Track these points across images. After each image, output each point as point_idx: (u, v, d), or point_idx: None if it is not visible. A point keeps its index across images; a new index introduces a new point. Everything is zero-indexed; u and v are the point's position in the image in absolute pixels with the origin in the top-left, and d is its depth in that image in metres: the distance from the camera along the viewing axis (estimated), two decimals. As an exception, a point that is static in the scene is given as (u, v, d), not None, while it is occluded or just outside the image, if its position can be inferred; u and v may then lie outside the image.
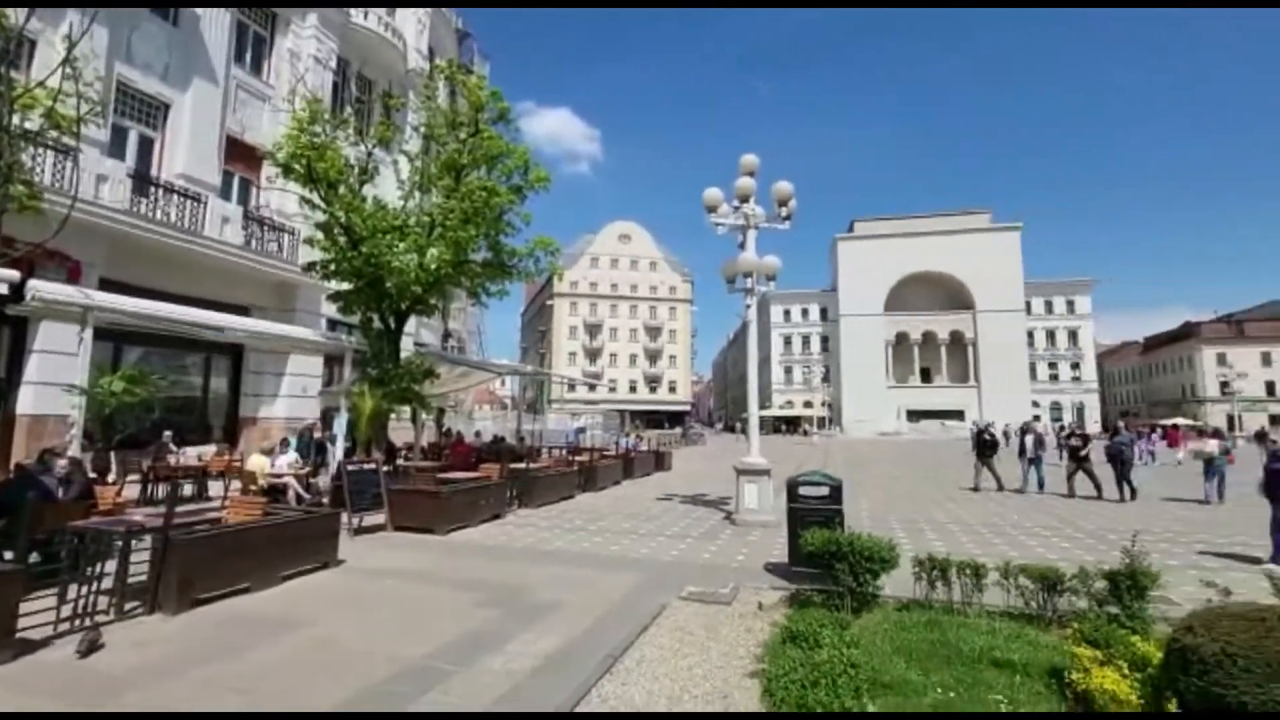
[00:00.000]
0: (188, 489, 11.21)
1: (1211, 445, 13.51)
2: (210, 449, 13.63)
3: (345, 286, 12.53)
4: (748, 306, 11.23)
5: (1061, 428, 15.00)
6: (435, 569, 7.07)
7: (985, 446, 14.98)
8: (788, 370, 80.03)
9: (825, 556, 5.29)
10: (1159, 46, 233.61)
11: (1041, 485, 14.25)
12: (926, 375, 73.35)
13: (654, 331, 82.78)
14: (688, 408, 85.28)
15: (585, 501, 12.92)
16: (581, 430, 36.40)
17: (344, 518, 8.12)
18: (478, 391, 46.68)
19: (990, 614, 5.09)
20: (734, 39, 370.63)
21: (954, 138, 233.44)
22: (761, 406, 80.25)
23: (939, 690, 3.74)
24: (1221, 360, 64.91)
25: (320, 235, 12.27)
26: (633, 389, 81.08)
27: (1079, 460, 13.51)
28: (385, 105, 16.13)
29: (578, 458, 15.96)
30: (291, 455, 10.90)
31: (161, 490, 10.46)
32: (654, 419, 74.02)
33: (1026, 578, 4.99)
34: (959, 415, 64.34)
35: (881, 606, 5.35)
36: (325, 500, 9.74)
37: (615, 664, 4.16)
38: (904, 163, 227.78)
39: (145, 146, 14.22)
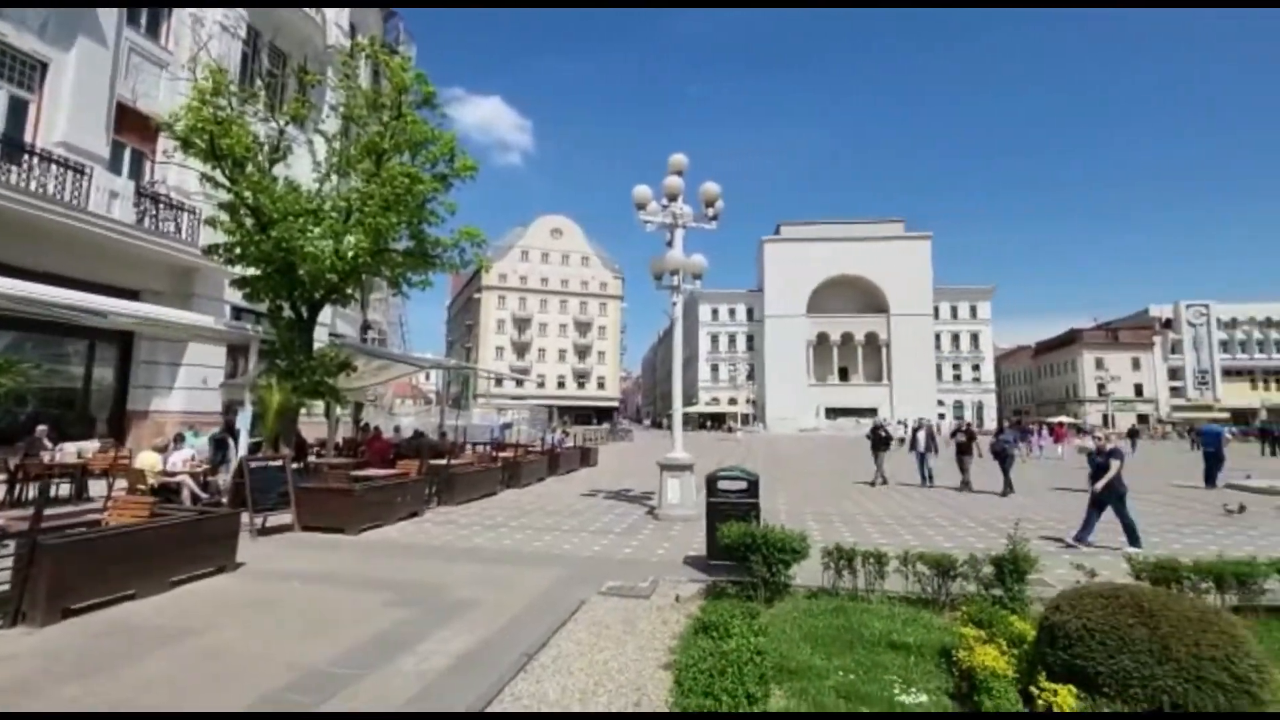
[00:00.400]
0: (64, 489, 10.21)
1: (1089, 444, 15.14)
2: (93, 445, 12.44)
3: (252, 272, 11.73)
4: (674, 304, 11.39)
5: (958, 425, 16.04)
6: (344, 570, 6.76)
7: (879, 443, 15.76)
8: (714, 368, 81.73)
9: (741, 549, 5.45)
10: (1062, 62, 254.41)
11: (931, 479, 15.03)
12: (844, 374, 76.93)
13: (584, 327, 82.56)
14: (617, 404, 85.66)
15: (508, 498, 12.72)
16: (508, 426, 35.73)
17: (245, 518, 7.63)
18: (399, 385, 45.04)
19: (891, 599, 5.41)
20: (670, 38, 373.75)
21: (875, 146, 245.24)
22: (688, 403, 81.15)
23: (840, 673, 3.94)
24: (1099, 364, 71.69)
25: (224, 216, 11.43)
26: (561, 384, 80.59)
27: (961, 455, 14.55)
28: (300, 81, 15.21)
29: (502, 454, 15.69)
30: (187, 451, 10.14)
31: (32, 490, 9.47)
32: (582, 415, 73.88)
33: (924, 565, 5.33)
34: (873, 412, 67.78)
35: (793, 595, 5.57)
36: (224, 500, 9.11)
37: (530, 661, 4.13)
38: (831, 168, 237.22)
39: (18, 109, 12.76)
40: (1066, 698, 3.00)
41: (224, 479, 10.23)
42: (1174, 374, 74.02)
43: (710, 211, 11.62)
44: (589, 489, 14.45)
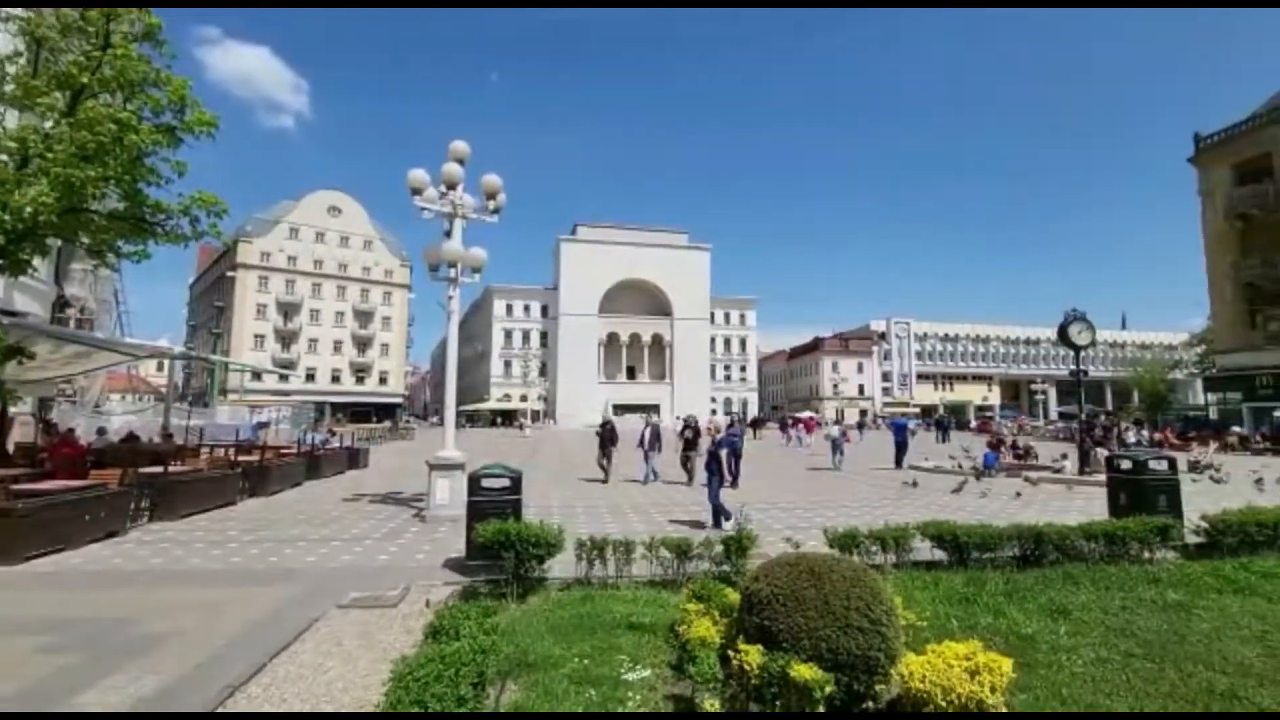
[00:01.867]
0: None
1: (834, 430, 19.90)
2: None
3: None
4: (450, 297, 10.93)
5: (685, 423, 15.69)
6: (-12, 612, 5.30)
7: (607, 440, 15.39)
8: (507, 364, 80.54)
9: (495, 547, 5.41)
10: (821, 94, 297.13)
11: (655, 475, 14.89)
12: (632, 373, 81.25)
13: (365, 317, 75.44)
14: (401, 400, 79.86)
15: (249, 508, 11.10)
16: (264, 425, 31.22)
17: None
18: (113, 377, 36.73)
19: (637, 584, 5.81)
20: (474, 20, 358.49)
21: (667, 160, 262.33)
22: (479, 400, 78.81)
23: (577, 660, 4.11)
24: (834, 368, 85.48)
25: None
26: (336, 379, 72.77)
27: (687, 451, 14.72)
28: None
29: (245, 457, 13.65)
30: None
31: None
32: (361, 412, 67.66)
33: (665, 549, 5.81)
34: (656, 409, 72.64)
35: (547, 589, 5.69)
36: None
37: (234, 694, 3.63)
38: (630, 173, 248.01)
39: None
40: (755, 656, 3.46)
41: None
42: (885, 377, 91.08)
43: (491, 205, 11.38)
44: (354, 493, 13.25)
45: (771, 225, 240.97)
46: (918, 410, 75.72)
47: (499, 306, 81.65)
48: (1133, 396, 63.90)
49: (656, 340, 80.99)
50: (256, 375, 58.73)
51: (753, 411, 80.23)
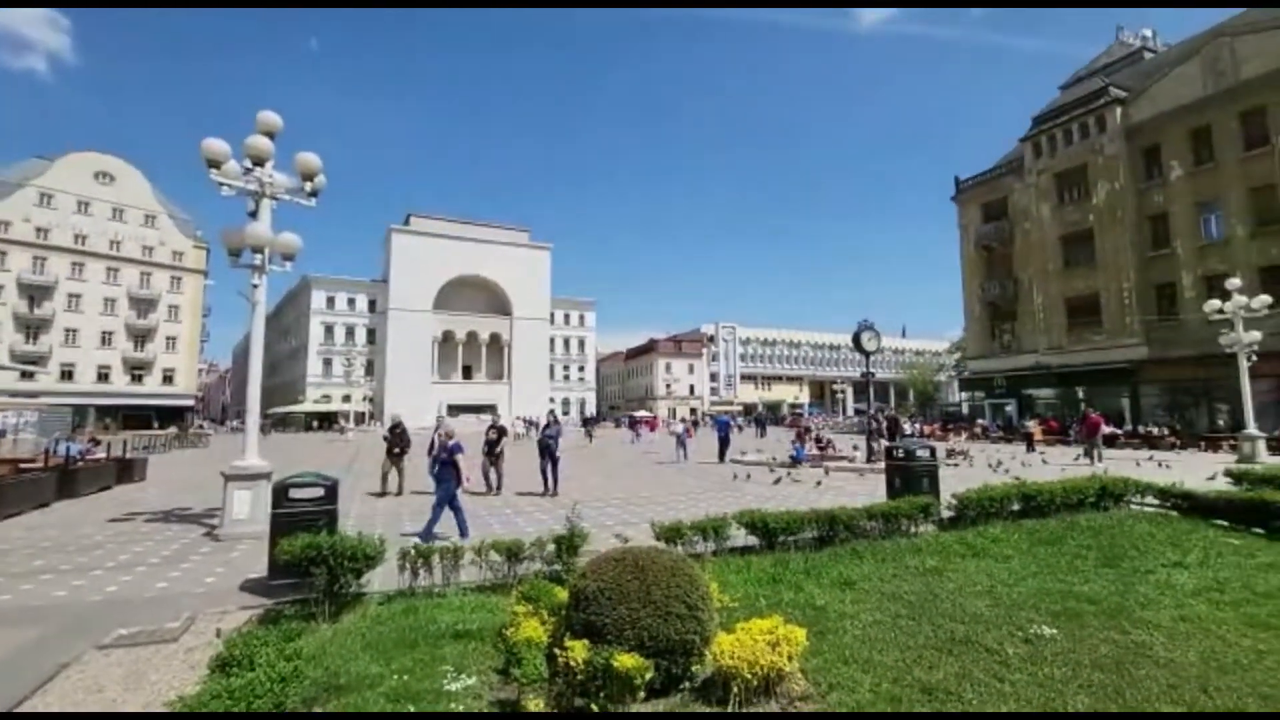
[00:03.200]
0: None
1: (679, 428, 22.16)
2: None
3: None
4: (255, 286, 9.73)
5: (491, 423, 13.94)
6: None
7: (394, 445, 13.29)
8: (327, 362, 73.26)
9: (304, 563, 4.94)
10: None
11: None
12: (468, 372, 78.19)
13: (145, 305, 63.96)
14: (192, 402, 69.09)
15: (-31, 538, 8.92)
16: (-3, 434, 25.21)
17: None
18: None
19: (466, 590, 5.64)
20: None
21: (506, 152, 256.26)
22: (294, 401, 70.98)
23: (397, 676, 3.90)
24: (668, 369, 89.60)
25: None
26: (104, 377, 60.92)
27: (491, 455, 13.10)
28: None
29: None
30: None
31: None
32: (140, 416, 57.49)
33: (496, 552, 5.71)
34: (493, 409, 70.71)
35: (365, 604, 5.31)
36: None
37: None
38: (466, 167, 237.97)
39: None
40: (580, 651, 3.55)
41: None
42: (713, 377, 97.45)
43: (309, 186, 10.32)
44: (125, 511, 11.24)
45: (611, 229, 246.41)
46: (740, 408, 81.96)
47: (318, 298, 74.00)
48: (909, 395, 75.33)
49: (495, 339, 78.80)
50: (-16, 372, 47.22)
51: (590, 410, 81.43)
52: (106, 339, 61.60)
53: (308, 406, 67.83)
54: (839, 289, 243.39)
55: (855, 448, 19.96)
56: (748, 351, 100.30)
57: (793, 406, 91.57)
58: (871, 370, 18.49)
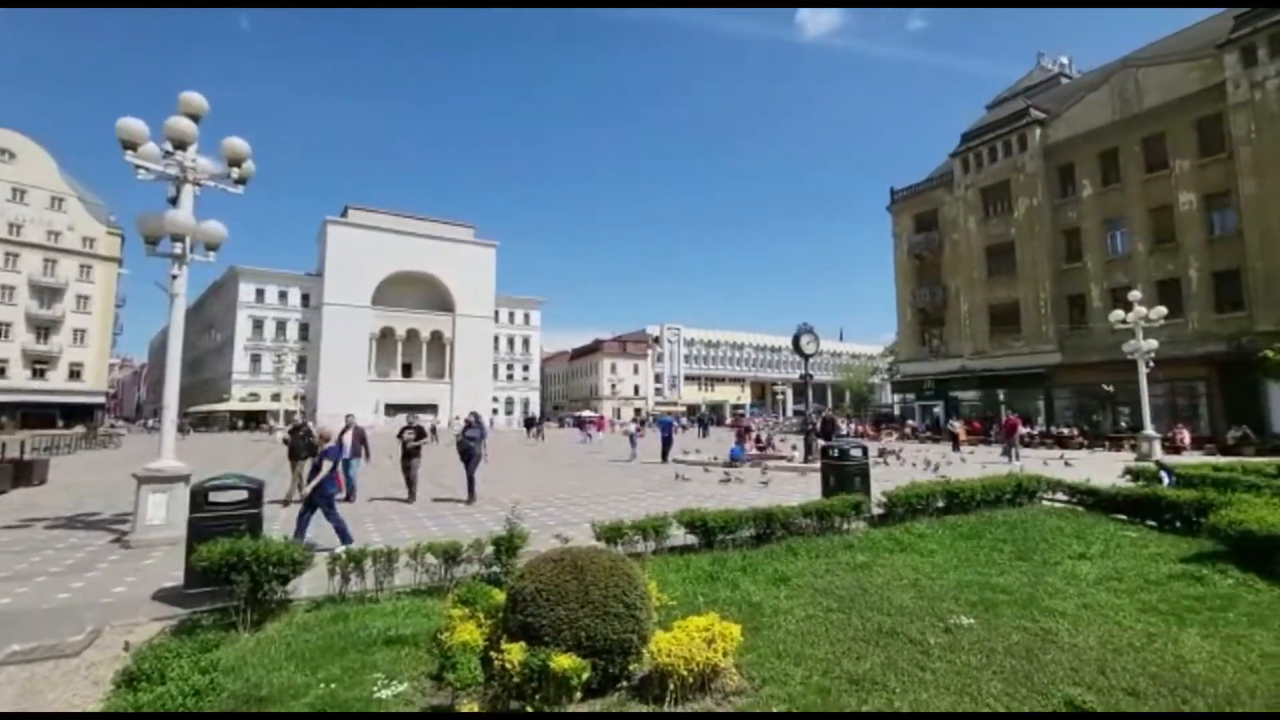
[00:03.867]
0: None
1: (631, 427, 23.14)
2: None
3: None
4: (174, 277, 9.15)
5: (407, 423, 12.77)
6: None
7: (298, 449, 11.98)
8: (256, 358, 69.47)
9: (224, 570, 4.68)
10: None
11: (351, 493, 11.66)
12: (408, 370, 75.80)
13: (50, 294, 59.02)
14: (103, 400, 64.29)
15: None
16: None
17: None
18: None
19: (400, 594, 5.48)
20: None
21: (450, 146, 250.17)
22: (218, 399, 67.37)
23: (324, 685, 3.76)
24: (613, 369, 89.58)
25: None
26: (1, 372, 55.91)
27: (408, 460, 12.09)
28: None
29: None
30: None
31: None
32: (43, 414, 53.15)
33: (432, 555, 5.58)
34: (434, 409, 68.84)
35: (292, 611, 5.08)
36: None
37: None
38: (408, 162, 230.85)
39: None
40: (516, 653, 3.51)
41: None
42: (658, 378, 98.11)
43: (236, 173, 9.79)
44: (20, 517, 10.37)
45: (558, 228, 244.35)
46: (684, 409, 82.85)
47: (247, 290, 70.10)
48: (846, 397, 78.04)
49: (436, 337, 76.63)
50: None
51: (534, 410, 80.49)
52: (3, 330, 56.55)
53: (233, 405, 64.28)
54: (782, 292, 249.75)
55: (794, 447, 20.53)
56: (692, 353, 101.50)
57: (735, 407, 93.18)
58: (810, 372, 19.05)
